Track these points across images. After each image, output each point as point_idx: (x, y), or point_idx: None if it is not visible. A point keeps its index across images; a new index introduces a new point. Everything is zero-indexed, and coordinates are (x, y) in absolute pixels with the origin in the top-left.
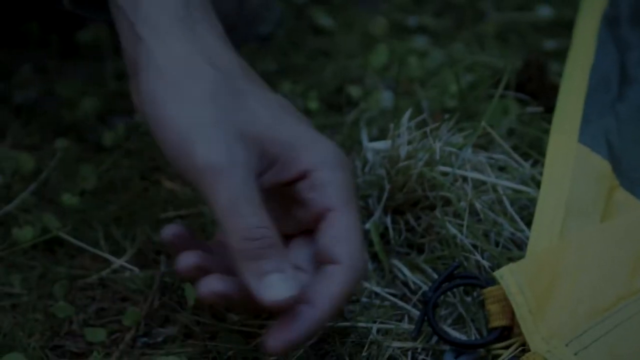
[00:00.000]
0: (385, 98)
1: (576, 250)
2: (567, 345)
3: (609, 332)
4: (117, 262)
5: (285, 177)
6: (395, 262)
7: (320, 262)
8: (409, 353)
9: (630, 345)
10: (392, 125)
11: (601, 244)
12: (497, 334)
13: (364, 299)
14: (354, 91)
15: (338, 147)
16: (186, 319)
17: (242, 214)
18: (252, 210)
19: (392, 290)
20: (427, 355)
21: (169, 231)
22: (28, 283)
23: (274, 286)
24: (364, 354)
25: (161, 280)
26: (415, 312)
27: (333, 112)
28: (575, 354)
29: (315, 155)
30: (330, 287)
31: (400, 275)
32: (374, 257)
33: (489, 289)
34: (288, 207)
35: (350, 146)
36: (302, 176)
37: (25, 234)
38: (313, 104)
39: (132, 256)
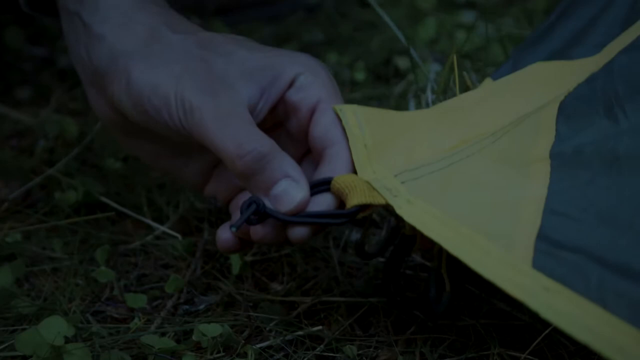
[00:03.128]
0: (434, 70)
1: (420, 114)
2: (396, 176)
3: (444, 168)
4: (160, 228)
5: (278, 91)
6: None
7: (320, 150)
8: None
9: (463, 179)
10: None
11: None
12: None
13: (408, 271)
14: (401, 63)
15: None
16: (228, 287)
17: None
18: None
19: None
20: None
21: None
22: (69, 248)
23: (284, 194)
24: (410, 330)
25: (204, 248)
26: None
27: (380, 83)
28: (403, 183)
29: (298, 64)
30: (339, 162)
31: None
32: None
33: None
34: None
35: None
36: (291, 84)
37: (67, 198)
38: (360, 75)
39: (175, 223)
